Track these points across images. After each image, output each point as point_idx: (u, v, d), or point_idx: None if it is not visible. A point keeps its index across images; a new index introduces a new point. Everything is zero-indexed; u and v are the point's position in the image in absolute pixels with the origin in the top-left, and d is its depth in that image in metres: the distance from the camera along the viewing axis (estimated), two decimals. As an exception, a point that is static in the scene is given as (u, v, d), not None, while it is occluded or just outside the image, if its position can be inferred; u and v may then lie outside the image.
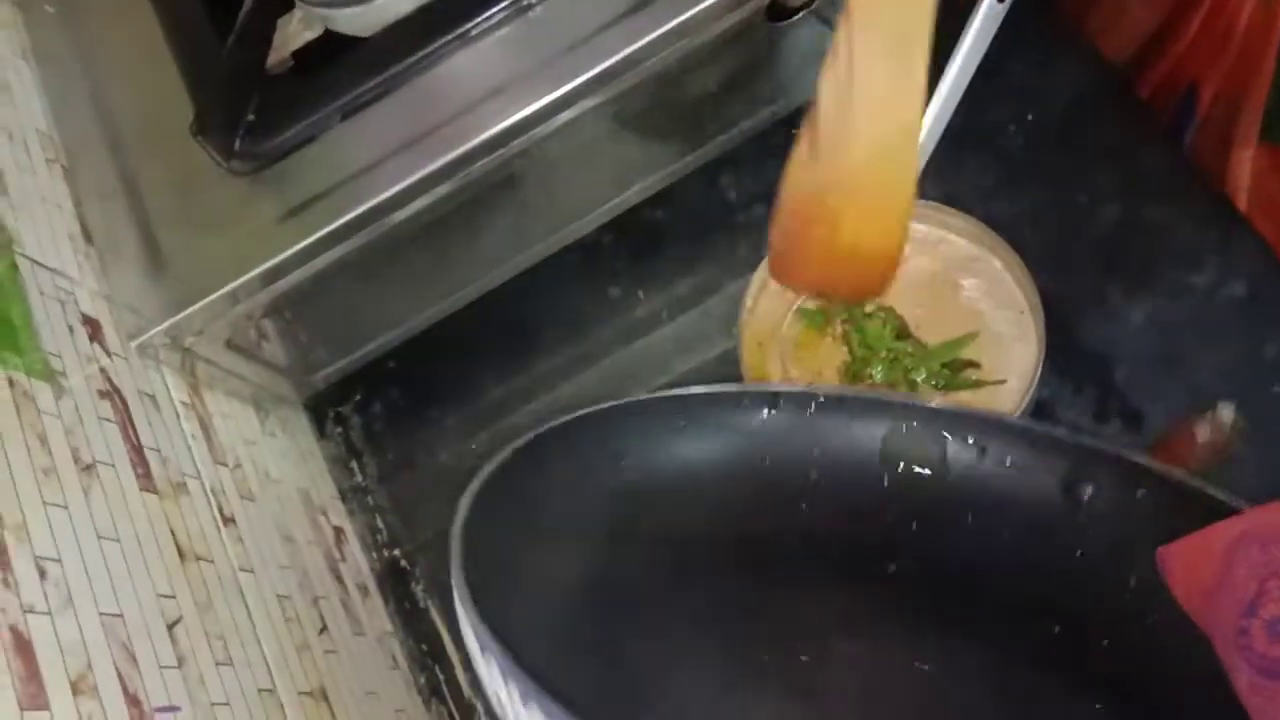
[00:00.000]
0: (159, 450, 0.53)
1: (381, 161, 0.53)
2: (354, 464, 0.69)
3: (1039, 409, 0.60)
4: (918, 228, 0.61)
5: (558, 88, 0.52)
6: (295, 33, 0.58)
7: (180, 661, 0.47)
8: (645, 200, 0.68)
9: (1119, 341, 0.60)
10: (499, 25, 0.54)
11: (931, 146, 0.57)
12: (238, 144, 0.54)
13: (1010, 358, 0.58)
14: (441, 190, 0.54)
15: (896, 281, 0.61)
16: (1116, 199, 0.63)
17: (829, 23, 0.59)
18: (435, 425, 0.69)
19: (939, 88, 0.55)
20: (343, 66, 0.55)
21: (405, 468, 0.68)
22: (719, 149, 0.64)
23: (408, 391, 0.70)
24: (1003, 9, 0.53)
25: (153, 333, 0.54)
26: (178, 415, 0.57)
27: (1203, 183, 0.62)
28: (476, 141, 0.52)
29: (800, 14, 0.56)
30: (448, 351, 0.70)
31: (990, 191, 0.65)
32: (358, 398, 0.70)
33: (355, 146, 0.54)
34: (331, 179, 0.54)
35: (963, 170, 0.66)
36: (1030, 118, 0.66)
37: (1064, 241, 0.63)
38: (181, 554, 0.51)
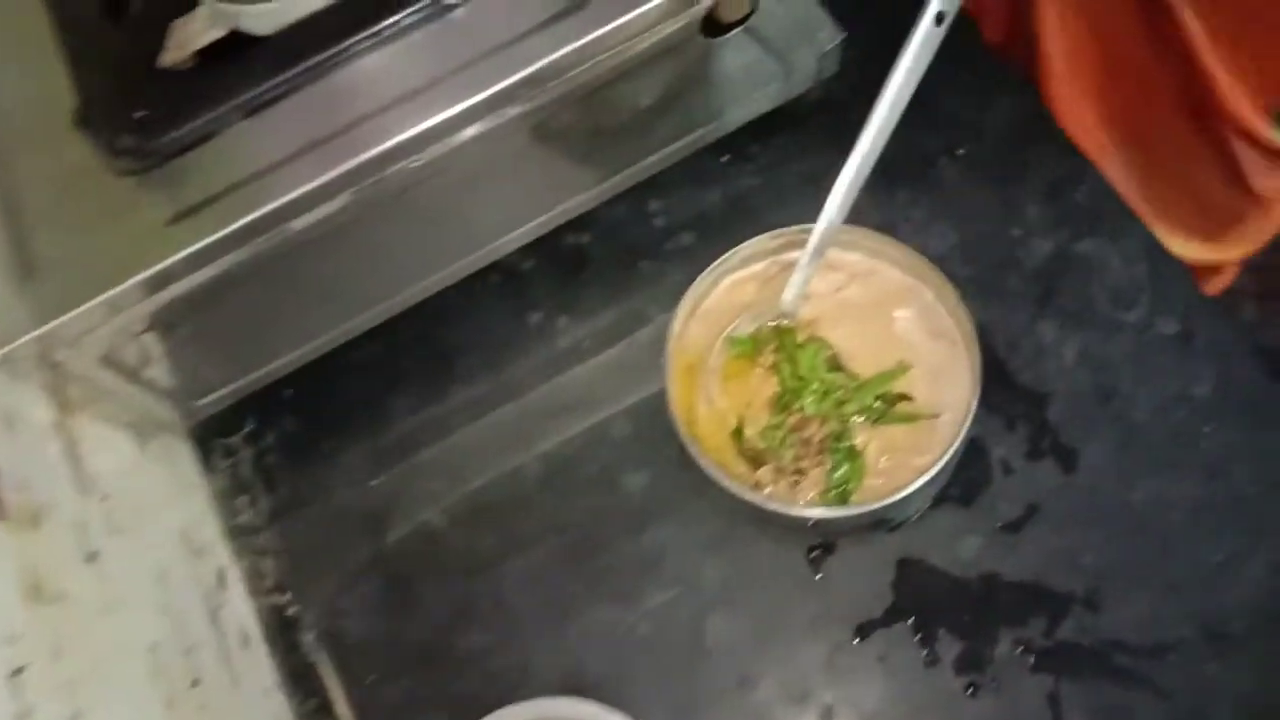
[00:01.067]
0: (15, 474, 0.47)
1: (282, 164, 0.49)
2: (242, 500, 0.63)
3: (970, 446, 0.58)
4: (848, 257, 0.59)
5: (474, 94, 0.48)
6: (199, 31, 0.54)
7: (23, 716, 0.41)
8: (568, 224, 0.65)
9: (1052, 377, 0.59)
10: (417, 25, 0.51)
11: (866, 172, 0.55)
12: (126, 138, 0.49)
13: (944, 391, 0.56)
14: (346, 198, 0.49)
15: (828, 312, 0.59)
16: (1049, 233, 0.62)
17: (765, 42, 0.57)
18: (334, 459, 0.63)
19: (875, 110, 0.53)
20: (246, 61, 0.50)
21: (299, 505, 0.63)
22: (646, 172, 0.61)
23: (306, 421, 0.64)
24: (940, 32, 0.52)
25: (17, 343, 0.48)
26: (41, 437, 0.51)
27: (1135, 218, 0.61)
28: (385, 147, 0.48)
29: (736, 30, 0.54)
30: (352, 378, 0.65)
31: (922, 224, 0.64)
32: (249, 427, 0.65)
33: (255, 147, 0.50)
34: (227, 180, 0.49)
35: (894, 202, 0.64)
36: (962, 151, 0.65)
37: (996, 275, 0.61)
38: (35, 592, 0.45)
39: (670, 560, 0.58)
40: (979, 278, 0.61)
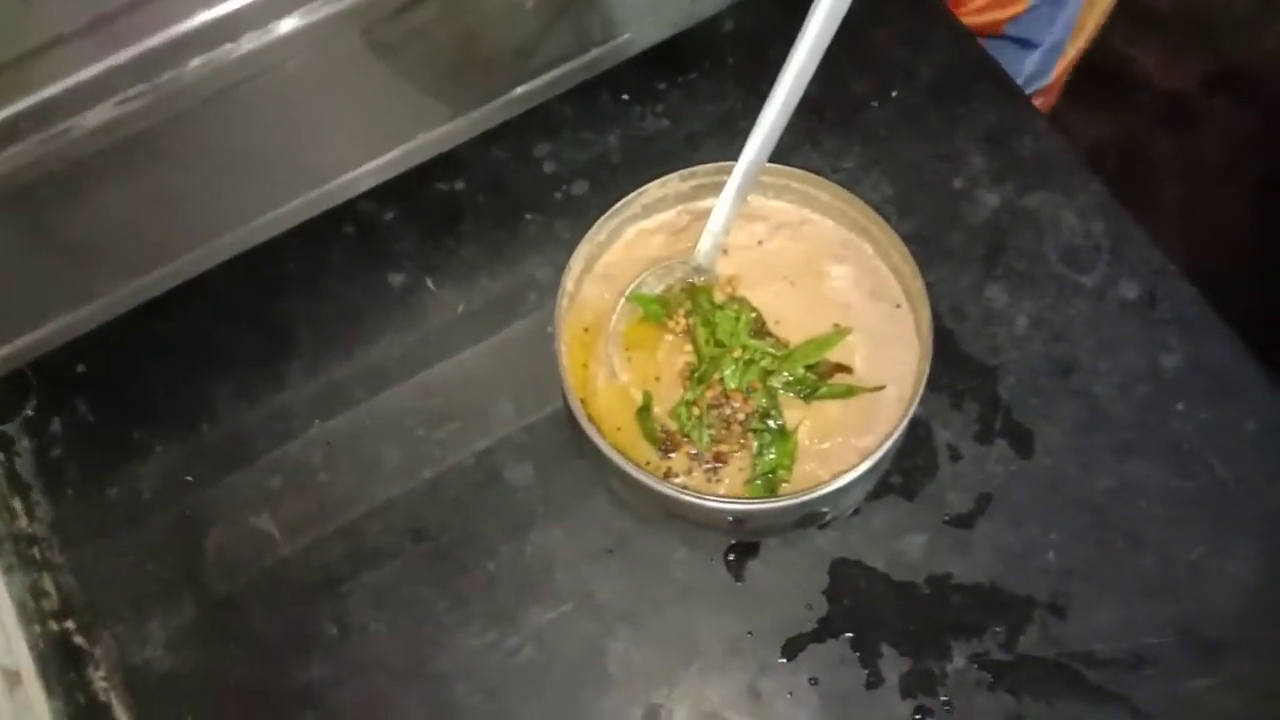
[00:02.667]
0: None
1: (55, 46, 0.37)
2: (17, 503, 0.50)
3: (912, 429, 0.49)
4: (774, 204, 0.50)
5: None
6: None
7: None
8: (438, 167, 0.54)
9: (1003, 347, 0.51)
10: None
11: (791, 107, 0.46)
12: None
13: (887, 359, 0.48)
14: (139, 98, 0.38)
15: (751, 267, 0.50)
16: (993, 186, 0.54)
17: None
18: (140, 453, 0.51)
19: (796, 45, 0.44)
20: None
21: (91, 509, 0.50)
22: (528, 102, 0.51)
23: (103, 405, 0.52)
24: None
25: None
26: None
27: (1087, 170, 0.54)
28: (183, 29, 0.37)
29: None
30: (163, 352, 0.52)
31: (853, 175, 0.55)
32: (28, 411, 0.51)
33: (25, 26, 0.37)
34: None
35: (822, 150, 0.56)
36: (895, 94, 0.57)
37: (937, 232, 0.53)
38: None
39: (560, 570, 0.48)
40: (918, 234, 0.52)
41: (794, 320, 0.48)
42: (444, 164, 0.54)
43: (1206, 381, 0.50)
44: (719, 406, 0.46)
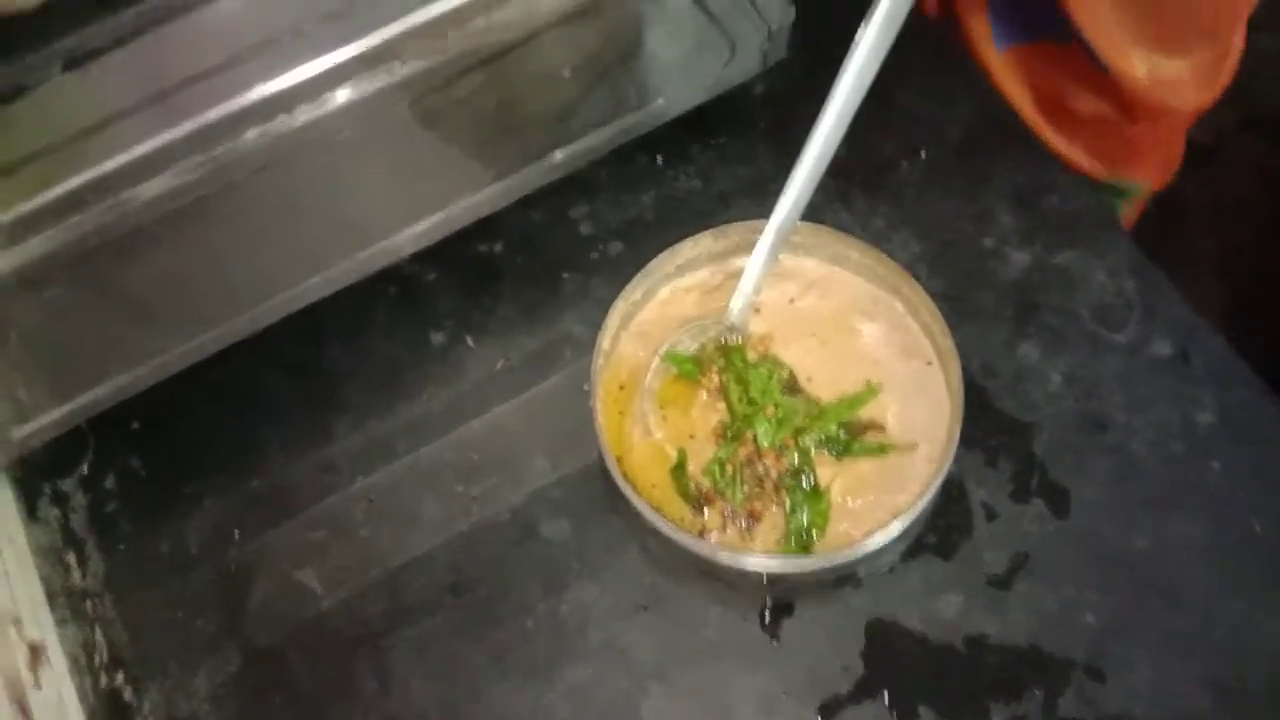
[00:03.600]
0: None
1: (114, 121, 0.39)
2: (71, 557, 0.51)
3: (947, 487, 0.49)
4: (805, 262, 0.51)
5: (350, 45, 0.40)
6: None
7: None
8: (478, 230, 0.56)
9: (1036, 404, 0.51)
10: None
11: (823, 166, 0.47)
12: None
13: (918, 418, 0.48)
14: (194, 169, 0.40)
15: (783, 326, 0.51)
16: (1023, 244, 0.55)
17: (707, 11, 0.49)
18: (188, 507, 0.52)
19: (825, 108, 0.45)
20: (68, 2, 0.40)
21: (143, 563, 0.51)
22: (566, 167, 0.52)
23: (155, 460, 0.53)
24: (904, 8, 0.44)
25: None
26: None
27: (1117, 228, 0.55)
28: (240, 104, 0.39)
29: (675, -10, 0.46)
30: (213, 408, 0.54)
31: (882, 233, 0.56)
32: (85, 469, 0.53)
33: (82, 105, 0.40)
34: (45, 141, 0.39)
35: (851, 209, 0.57)
36: (924, 154, 0.58)
37: (967, 290, 0.54)
38: None
39: (595, 626, 0.48)
40: (947, 293, 0.53)
41: (825, 377, 0.49)
42: (483, 226, 0.56)
43: (1242, 437, 0.50)
44: (751, 464, 0.46)
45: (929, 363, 0.49)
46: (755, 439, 0.47)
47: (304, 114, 0.40)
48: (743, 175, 0.58)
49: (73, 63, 0.40)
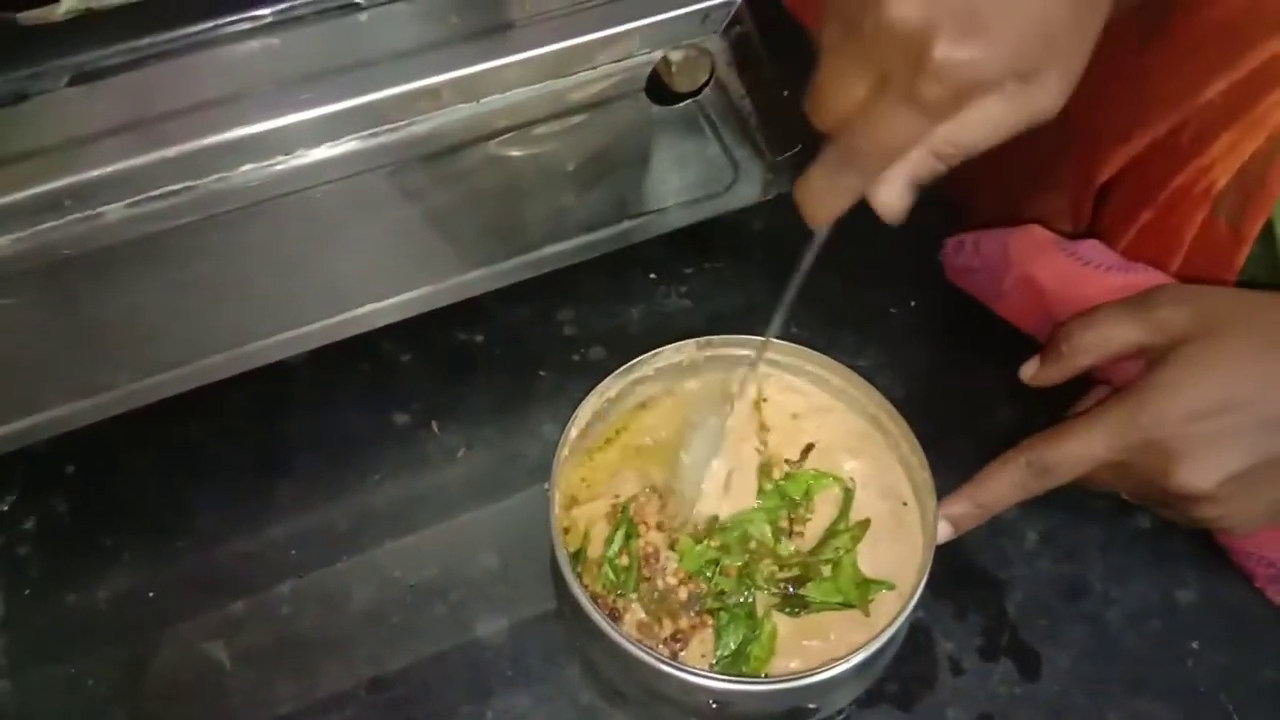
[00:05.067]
0: None
1: (103, 138, 0.39)
2: (-31, 597, 0.48)
3: (913, 635, 0.47)
4: (811, 388, 0.50)
5: (343, 101, 0.40)
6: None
7: None
8: (461, 318, 0.55)
9: (1012, 561, 0.49)
10: (308, 20, 0.42)
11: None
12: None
13: (887, 559, 0.46)
14: (165, 197, 0.39)
15: (781, 443, 0.49)
16: (1008, 400, 0.54)
17: (714, 125, 0.50)
18: (106, 560, 0.49)
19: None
20: (88, 22, 0.41)
21: (44, 613, 0.47)
22: (556, 263, 0.52)
23: (81, 507, 0.50)
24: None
25: None
26: None
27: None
28: (223, 139, 0.39)
29: (685, 101, 0.47)
30: (157, 459, 0.51)
31: (867, 374, 0.55)
32: (5, 506, 0.50)
33: (75, 118, 0.40)
34: (31, 145, 0.38)
35: (839, 348, 0.56)
36: (914, 303, 0.58)
37: (947, 437, 0.52)
38: None
39: (521, 741, 0.44)
40: (927, 438, 0.52)
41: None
42: (467, 314, 0.55)
43: (1223, 622, 0.47)
44: (649, 579, 0.44)
45: (904, 503, 0.47)
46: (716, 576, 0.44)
47: (293, 160, 0.40)
48: (734, 301, 0.58)
49: (78, 78, 0.40)
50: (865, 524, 0.46)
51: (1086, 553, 0.49)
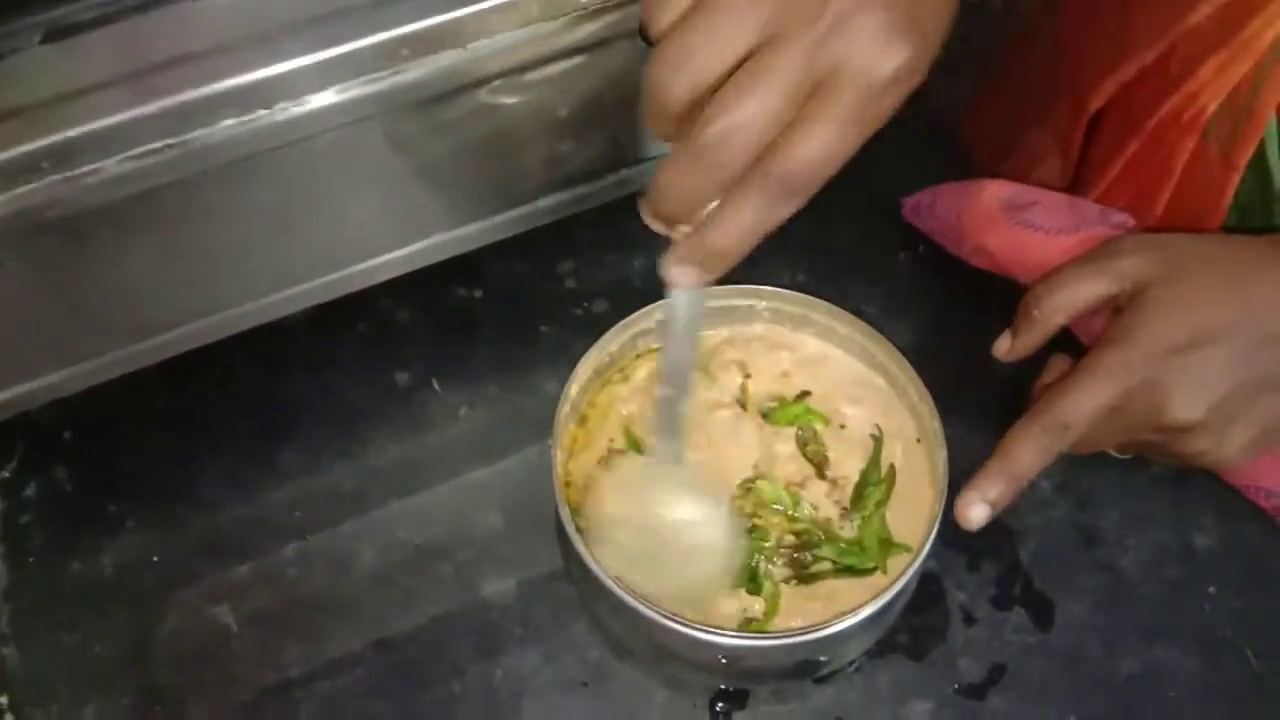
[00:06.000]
0: None
1: (84, 94, 0.37)
2: (-27, 566, 0.47)
3: (924, 584, 0.46)
4: (802, 337, 0.49)
5: (333, 47, 0.38)
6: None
7: None
8: (460, 275, 0.54)
9: (1026, 510, 0.48)
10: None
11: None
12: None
13: (898, 506, 0.45)
14: (157, 153, 0.38)
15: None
16: (1022, 343, 0.53)
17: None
18: (110, 526, 0.48)
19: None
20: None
21: (49, 581, 0.47)
22: (552, 215, 0.50)
23: (83, 473, 0.50)
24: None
25: None
26: None
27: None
28: (212, 90, 0.37)
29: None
30: (157, 425, 0.51)
31: (874, 320, 0.54)
32: (5, 473, 0.50)
33: (53, 76, 0.38)
34: (9, 105, 0.37)
35: (847, 295, 0.55)
36: (923, 248, 0.56)
37: (959, 385, 0.51)
38: None
39: (530, 698, 0.44)
40: (938, 385, 0.51)
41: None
42: (465, 271, 0.54)
43: (1241, 566, 0.47)
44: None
45: (916, 440, 0.46)
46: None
47: (281, 112, 0.39)
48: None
49: (52, 35, 0.39)
50: (893, 474, 0.45)
51: (1102, 500, 0.48)
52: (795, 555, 0.44)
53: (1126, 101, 0.51)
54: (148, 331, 0.45)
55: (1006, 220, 0.48)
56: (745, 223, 0.33)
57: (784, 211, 0.33)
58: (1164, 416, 0.40)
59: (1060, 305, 0.44)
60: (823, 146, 0.32)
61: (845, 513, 0.45)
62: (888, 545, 0.44)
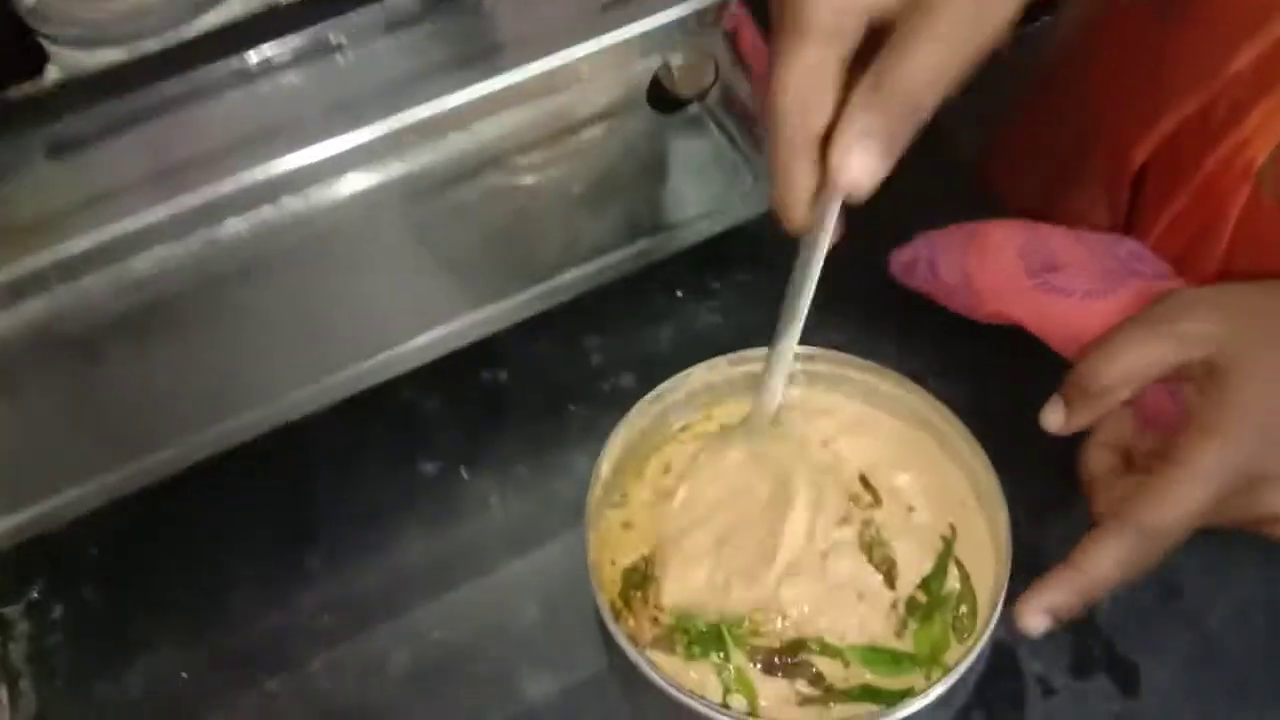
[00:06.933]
0: None
1: (89, 205, 0.37)
2: (3, 692, 0.46)
3: (997, 653, 0.43)
4: (838, 399, 0.47)
5: (347, 135, 0.38)
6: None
7: None
8: (484, 358, 0.53)
9: (1097, 566, 0.45)
10: (285, 66, 0.40)
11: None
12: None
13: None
14: (170, 254, 0.37)
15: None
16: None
17: (725, 130, 0.47)
18: (136, 645, 0.47)
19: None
20: (58, 88, 0.39)
21: (76, 704, 0.45)
22: (576, 288, 0.49)
23: (109, 591, 0.48)
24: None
25: None
26: None
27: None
28: (226, 189, 0.37)
29: (690, 105, 0.44)
30: (179, 535, 0.49)
31: (925, 365, 0.51)
32: (34, 594, 0.48)
33: (62, 191, 0.38)
34: (16, 220, 0.37)
35: (877, 355, 0.52)
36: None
37: (1014, 427, 0.48)
38: None
39: (578, 808, 0.41)
40: (990, 436, 0.48)
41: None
42: (489, 354, 0.52)
43: (1341, 615, 0.43)
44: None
45: (965, 503, 0.43)
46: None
47: (290, 205, 0.38)
48: (765, 312, 0.54)
49: (56, 149, 0.39)
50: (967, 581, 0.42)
51: (1180, 549, 0.45)
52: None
53: (1171, 153, 0.48)
54: (165, 441, 0.44)
55: (1029, 284, 0.44)
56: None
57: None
58: (1264, 508, 0.36)
59: (1121, 379, 0.39)
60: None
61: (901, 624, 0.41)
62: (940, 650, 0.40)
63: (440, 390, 0.53)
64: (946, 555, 0.42)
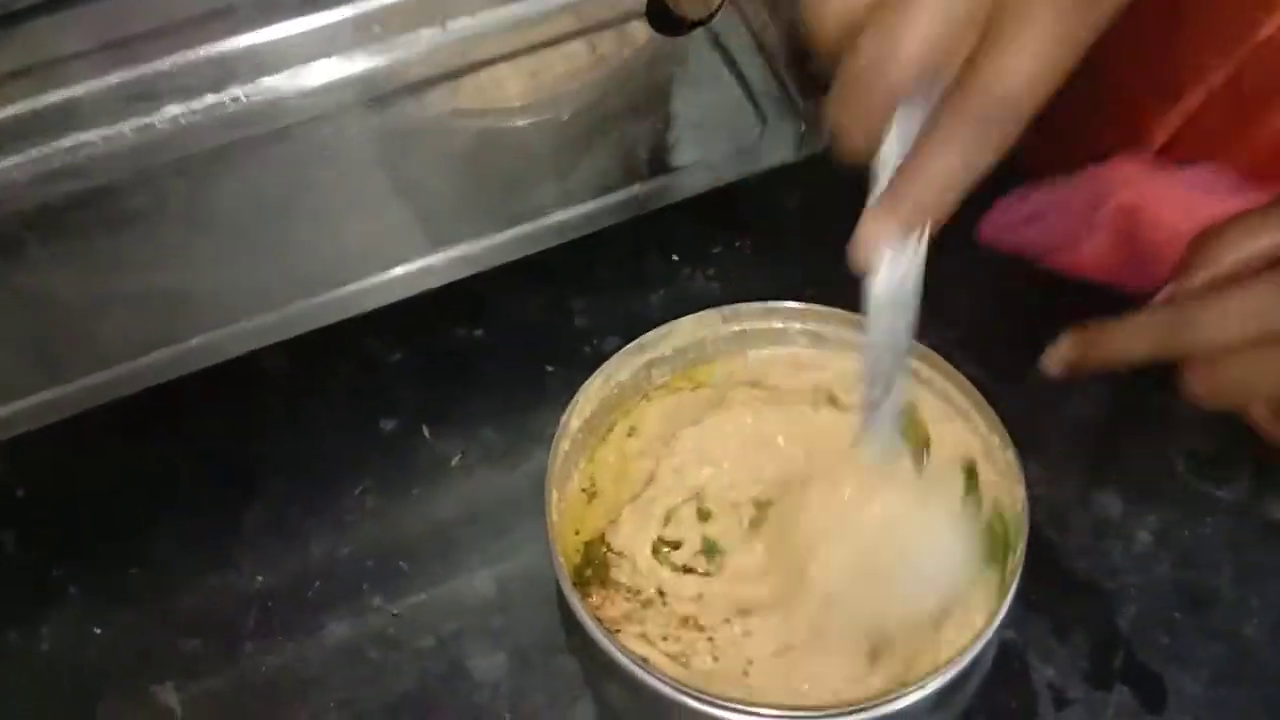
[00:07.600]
0: None
1: (19, 77, 0.33)
2: (-102, 641, 0.42)
3: (1003, 658, 0.38)
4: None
5: (308, 16, 0.34)
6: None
7: None
8: (461, 313, 0.49)
9: (1121, 568, 0.40)
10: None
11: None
12: None
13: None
14: (99, 138, 0.33)
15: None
16: (1105, 375, 0.45)
17: (735, 66, 0.43)
18: (52, 595, 0.42)
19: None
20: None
21: (-19, 653, 0.41)
22: (558, 234, 0.44)
23: (32, 535, 0.44)
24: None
25: None
26: None
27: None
28: (161, 69, 0.33)
29: (697, 28, 0.39)
30: (110, 479, 0.45)
31: (942, 348, 0.47)
32: (-51, 535, 0.44)
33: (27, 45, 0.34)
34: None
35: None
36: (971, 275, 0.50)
37: (1033, 422, 0.44)
38: None
39: (521, 798, 0.36)
40: (1013, 422, 0.43)
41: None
42: (468, 308, 0.49)
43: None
44: None
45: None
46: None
47: (236, 94, 0.34)
48: (766, 282, 0.50)
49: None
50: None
51: (1211, 553, 0.40)
52: None
53: (1198, 131, 0.44)
54: (90, 364, 0.39)
55: (1164, 177, 0.41)
56: (945, 165, 0.27)
57: (987, 146, 0.27)
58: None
59: (1229, 248, 0.34)
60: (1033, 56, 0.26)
61: None
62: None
63: (408, 343, 0.49)
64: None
